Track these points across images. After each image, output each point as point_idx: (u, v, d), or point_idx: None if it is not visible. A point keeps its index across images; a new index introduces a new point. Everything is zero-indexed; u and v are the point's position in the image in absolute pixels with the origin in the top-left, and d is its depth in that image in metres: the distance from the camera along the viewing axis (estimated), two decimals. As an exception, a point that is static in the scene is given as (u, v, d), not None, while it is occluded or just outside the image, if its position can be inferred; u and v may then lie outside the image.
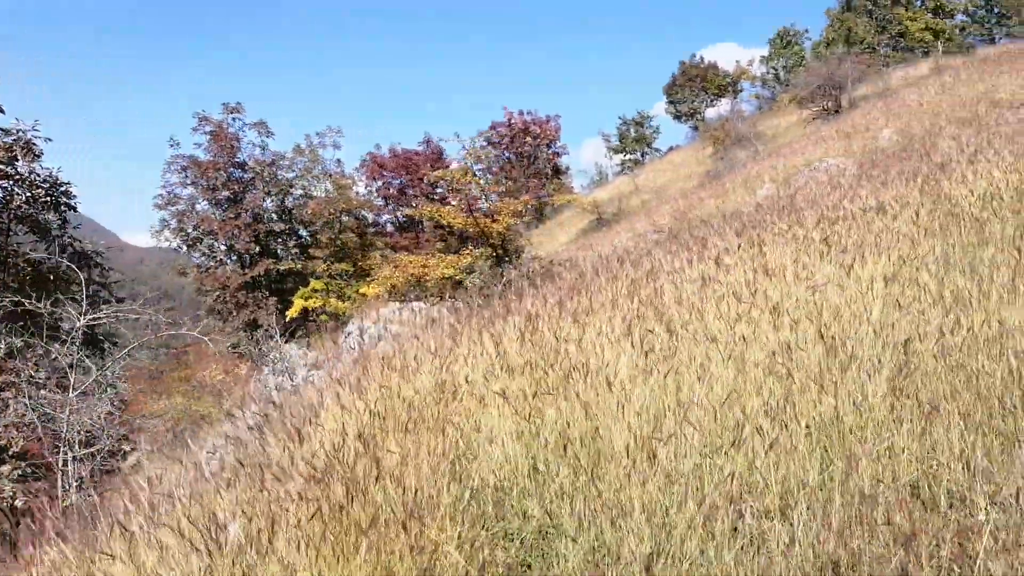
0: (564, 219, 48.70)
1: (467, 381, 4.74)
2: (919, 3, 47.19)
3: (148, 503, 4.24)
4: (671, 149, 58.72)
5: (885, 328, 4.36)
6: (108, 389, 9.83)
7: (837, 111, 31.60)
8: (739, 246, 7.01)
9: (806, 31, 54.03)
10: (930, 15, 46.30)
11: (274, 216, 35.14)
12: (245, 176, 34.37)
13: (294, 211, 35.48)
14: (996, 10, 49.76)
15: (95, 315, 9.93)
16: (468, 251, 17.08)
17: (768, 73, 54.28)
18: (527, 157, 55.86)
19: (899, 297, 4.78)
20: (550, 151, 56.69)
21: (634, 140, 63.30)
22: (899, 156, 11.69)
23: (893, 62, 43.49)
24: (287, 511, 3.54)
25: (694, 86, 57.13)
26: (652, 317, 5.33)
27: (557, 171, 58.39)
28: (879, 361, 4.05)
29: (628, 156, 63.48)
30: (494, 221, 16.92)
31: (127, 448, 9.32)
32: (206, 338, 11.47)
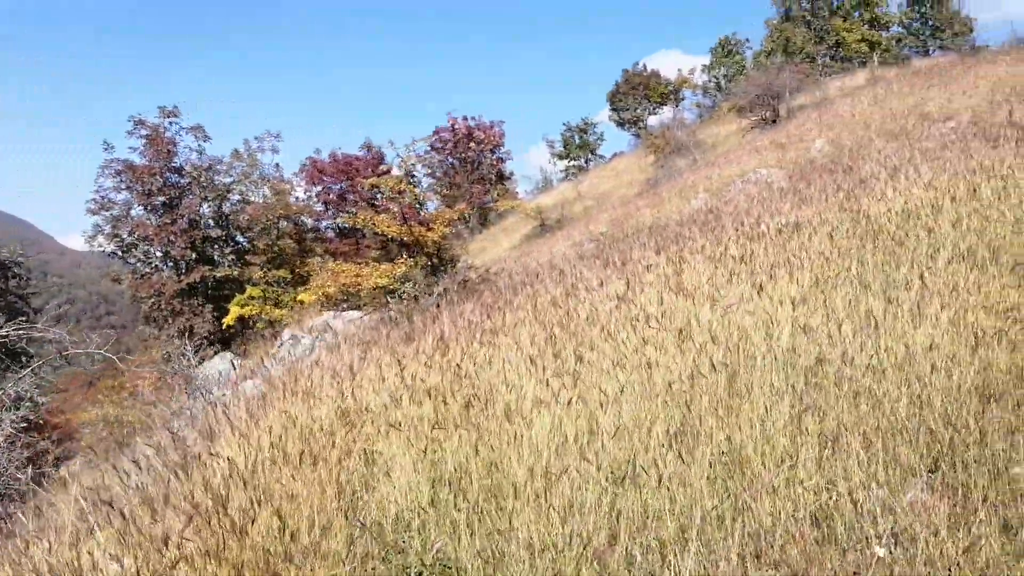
0: (508, 225, 48.70)
1: (367, 409, 4.54)
2: (856, 14, 48.35)
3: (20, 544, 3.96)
4: (615, 156, 59.09)
5: (791, 353, 4.30)
6: (14, 408, 9.35)
7: (775, 121, 32.06)
8: (660, 263, 6.95)
9: (747, 41, 54.93)
10: (866, 27, 47.48)
11: (211, 222, 34.38)
12: (182, 181, 33.54)
13: (231, 217, 34.78)
14: (930, 23, 51.23)
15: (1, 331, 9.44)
16: (403, 260, 16.82)
17: (710, 82, 55.04)
18: (471, 163, 55.77)
19: (808, 318, 4.74)
20: (494, 157, 56.68)
21: (578, 146, 63.65)
22: (827, 168, 11.84)
23: (831, 72, 44.44)
24: (161, 554, 3.31)
25: (637, 94, 57.65)
26: (565, 339, 5.21)
27: (501, 177, 58.40)
28: (783, 388, 3.98)
29: (572, 162, 63.79)
30: (429, 230, 16.70)
31: (30, 472, 8.85)
32: (115, 356, 10.99)
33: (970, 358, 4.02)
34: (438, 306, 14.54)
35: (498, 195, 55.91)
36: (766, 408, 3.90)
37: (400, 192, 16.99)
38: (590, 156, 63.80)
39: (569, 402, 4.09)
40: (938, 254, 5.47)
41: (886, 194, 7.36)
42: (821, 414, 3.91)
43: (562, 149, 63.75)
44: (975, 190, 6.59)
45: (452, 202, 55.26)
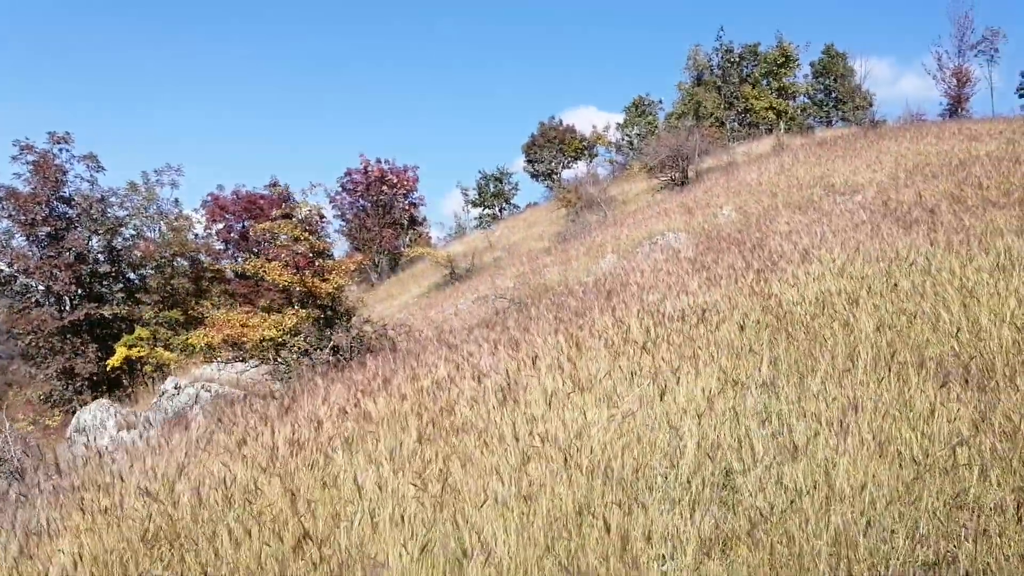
0: (418, 271, 48.01)
1: (177, 536, 3.60)
2: (765, 83, 50.11)
3: None
4: (529, 206, 59.21)
5: (695, 481, 3.60)
6: None
7: (684, 182, 32.44)
8: (556, 344, 6.25)
9: (660, 102, 56.25)
10: (774, 95, 49.22)
11: (100, 257, 32.27)
12: (70, 212, 31.42)
13: (123, 252, 32.76)
14: (833, 95, 53.65)
15: None
16: (294, 311, 15.74)
17: (623, 139, 55.92)
18: (383, 206, 54.98)
19: (717, 432, 4.08)
20: (407, 201, 56.09)
21: (493, 195, 63.64)
22: (735, 240, 11.51)
23: (738, 136, 45.73)
24: None
25: (552, 147, 58.06)
26: (439, 442, 4.40)
27: (414, 222, 57.83)
28: (687, 533, 3.27)
29: (487, 210, 63.67)
30: (324, 280, 15.70)
31: None
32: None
33: (904, 494, 3.42)
34: (327, 370, 13.56)
35: (410, 240, 55.29)
36: (668, 554, 3.18)
37: (296, 239, 15.99)
38: (504, 205, 63.83)
39: (431, 527, 3.27)
40: (857, 357, 4.93)
41: (798, 278, 6.90)
42: (730, 564, 3.21)
43: (477, 197, 63.60)
44: (894, 281, 6.16)
45: (362, 245, 54.34)
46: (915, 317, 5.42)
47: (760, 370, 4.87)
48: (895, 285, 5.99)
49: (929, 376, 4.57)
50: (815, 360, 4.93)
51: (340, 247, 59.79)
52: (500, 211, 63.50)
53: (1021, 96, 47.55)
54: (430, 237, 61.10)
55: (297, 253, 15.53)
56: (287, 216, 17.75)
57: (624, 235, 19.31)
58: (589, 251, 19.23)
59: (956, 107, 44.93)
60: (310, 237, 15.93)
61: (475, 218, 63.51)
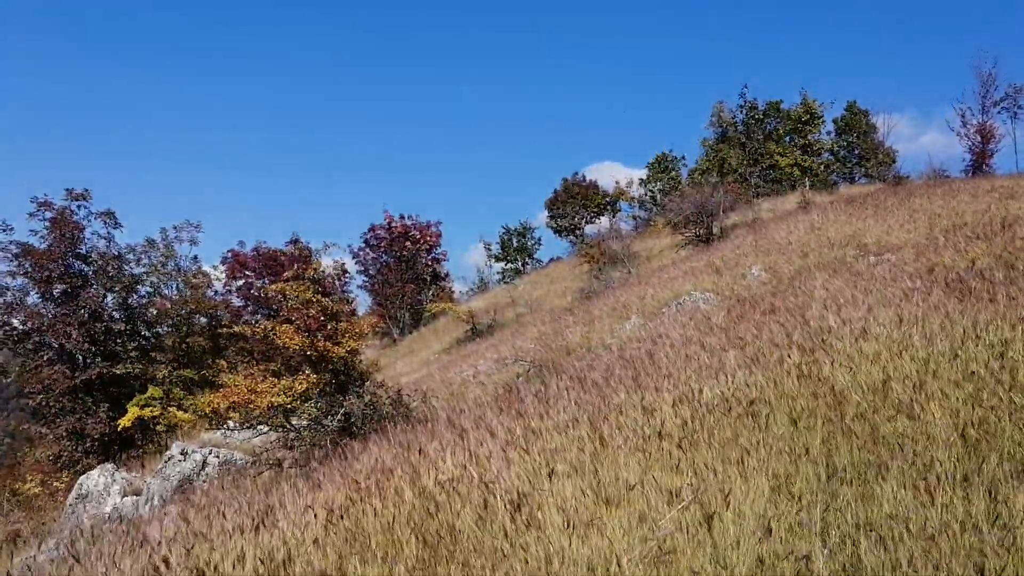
0: (440, 326, 47.56)
1: None
2: (789, 139, 49.69)
3: None
4: (551, 261, 58.73)
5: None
6: None
7: (708, 239, 31.76)
8: (578, 435, 5.50)
9: (683, 157, 55.85)
10: (799, 152, 48.74)
11: (115, 314, 31.93)
12: (86, 269, 31.24)
13: (139, 309, 32.41)
14: (856, 151, 53.15)
15: None
16: (305, 375, 15.08)
17: (646, 195, 55.45)
18: (406, 261, 54.78)
19: None
20: (430, 256, 55.89)
21: (516, 249, 63.31)
22: (769, 305, 10.75)
23: (763, 192, 45.14)
24: None
25: (575, 203, 57.75)
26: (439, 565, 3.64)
27: (436, 276, 57.53)
28: None
29: (509, 265, 63.28)
30: (336, 344, 15.06)
31: None
32: None
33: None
34: (330, 452, 12.81)
35: (433, 295, 54.94)
36: None
37: (307, 302, 15.42)
38: (527, 259, 63.38)
39: None
40: (932, 460, 4.13)
41: (852, 357, 6.12)
42: None
43: (500, 251, 63.26)
44: (966, 366, 5.37)
45: (384, 300, 53.97)
46: (994, 407, 4.63)
47: (820, 475, 4.08)
48: (971, 372, 5.18)
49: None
50: (883, 461, 4.13)
51: (363, 302, 59.64)
52: (523, 265, 63.06)
53: (1048, 152, 46.65)
54: (453, 291, 60.74)
55: (308, 316, 14.93)
56: (298, 277, 17.25)
57: (649, 294, 18.56)
58: (613, 311, 18.48)
59: (980, 163, 44.20)
60: (322, 299, 15.36)
61: (498, 272, 63.10)
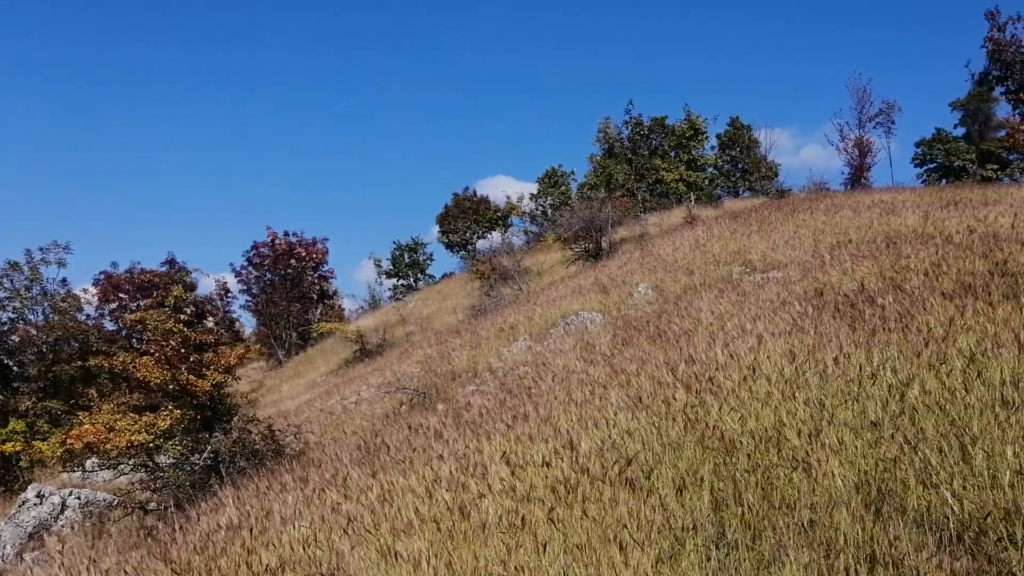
0: (328, 347, 46.05)
1: None
2: (674, 155, 50.63)
3: None
4: (445, 276, 57.95)
5: None
6: None
7: (598, 254, 31.77)
8: (440, 502, 4.75)
9: (572, 172, 56.21)
10: (684, 167, 49.74)
11: (-28, 343, 29.14)
12: (-61, 294, 28.43)
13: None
14: (740, 166, 54.75)
15: None
16: (168, 411, 13.75)
17: (537, 209, 55.44)
18: (291, 280, 52.81)
19: None
20: (316, 275, 54.08)
21: (408, 265, 62.26)
22: (655, 327, 10.32)
23: (650, 207, 45.75)
24: None
25: (467, 218, 57.20)
26: None
27: (324, 295, 55.77)
28: None
29: (402, 281, 62.13)
30: (200, 377, 13.80)
31: None
32: None
33: None
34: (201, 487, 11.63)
35: (321, 314, 53.18)
36: None
37: (168, 332, 14.07)
38: (420, 275, 62.37)
39: None
40: (835, 531, 3.59)
41: (741, 398, 5.61)
42: None
43: (391, 267, 62.03)
44: (861, 402, 4.91)
45: (269, 321, 51.81)
46: (900, 463, 4.15)
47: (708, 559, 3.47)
48: (872, 423, 4.70)
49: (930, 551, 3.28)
50: (777, 529, 3.56)
51: (248, 323, 57.24)
52: (415, 281, 62.02)
53: (917, 165, 49.29)
54: (342, 309, 59.00)
55: (168, 347, 13.60)
56: (160, 304, 15.80)
57: (538, 314, 18.03)
58: (501, 332, 17.85)
59: (858, 176, 46.12)
60: (184, 329, 14.05)
61: (390, 288, 61.77)
